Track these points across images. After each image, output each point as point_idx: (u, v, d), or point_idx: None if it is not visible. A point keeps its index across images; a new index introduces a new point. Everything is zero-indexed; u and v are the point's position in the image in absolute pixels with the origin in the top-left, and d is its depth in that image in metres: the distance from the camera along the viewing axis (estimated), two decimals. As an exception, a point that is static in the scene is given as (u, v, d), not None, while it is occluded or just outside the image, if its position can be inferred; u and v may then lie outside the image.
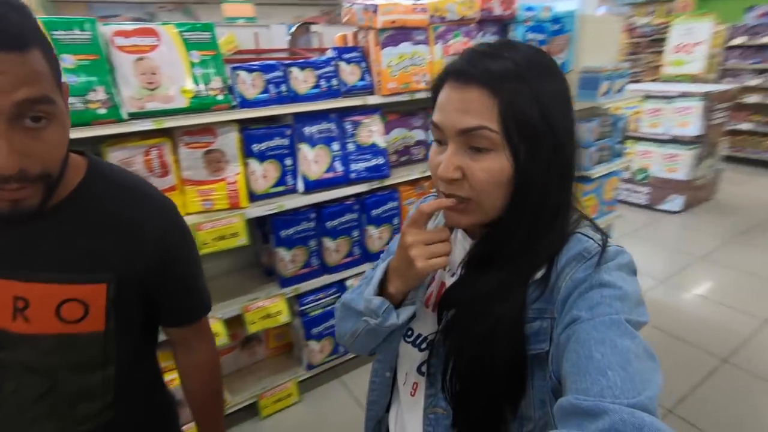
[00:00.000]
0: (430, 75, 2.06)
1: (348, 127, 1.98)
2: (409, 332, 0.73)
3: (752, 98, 5.61)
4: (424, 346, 0.70)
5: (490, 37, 2.29)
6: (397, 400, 0.78)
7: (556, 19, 2.41)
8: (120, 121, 1.46)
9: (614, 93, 2.48)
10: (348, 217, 2.04)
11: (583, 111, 2.54)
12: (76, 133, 1.38)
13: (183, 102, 1.57)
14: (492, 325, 0.57)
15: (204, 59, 1.60)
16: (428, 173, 2.24)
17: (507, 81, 0.54)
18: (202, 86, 1.60)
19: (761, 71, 5.52)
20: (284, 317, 1.95)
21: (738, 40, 5.59)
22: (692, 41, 4.50)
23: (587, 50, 2.44)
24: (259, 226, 2.05)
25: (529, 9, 2.30)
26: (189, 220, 1.65)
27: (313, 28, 2.50)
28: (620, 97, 2.54)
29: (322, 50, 2.40)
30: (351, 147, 1.99)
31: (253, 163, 1.80)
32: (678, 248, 3.63)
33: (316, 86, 1.83)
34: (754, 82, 5.57)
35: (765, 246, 3.58)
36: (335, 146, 1.94)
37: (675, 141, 4.11)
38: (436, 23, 2.02)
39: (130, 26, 1.49)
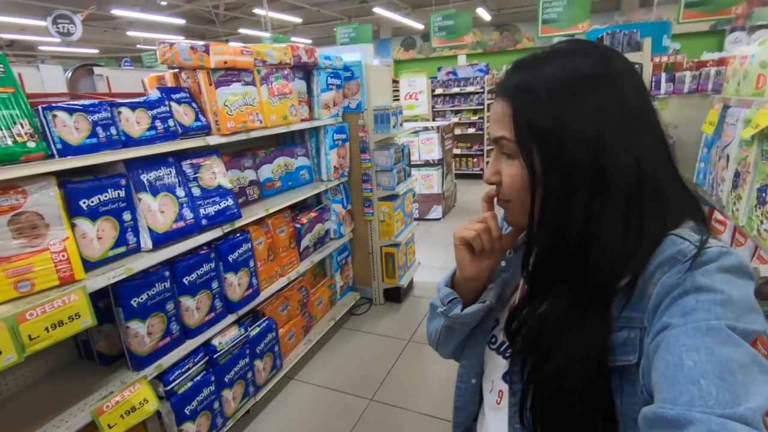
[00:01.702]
0: (261, 114, 2.11)
1: (188, 170, 1.82)
2: (493, 339, 0.71)
3: (457, 131, 7.70)
4: (508, 354, 0.68)
5: (299, 81, 2.51)
6: (482, 408, 0.75)
7: (347, 68, 2.84)
8: None
9: (399, 126, 3.08)
10: (205, 267, 1.85)
11: (381, 142, 3.05)
12: None
13: (-23, 153, 1.16)
14: (560, 368, 0.54)
15: (0, 98, 1.23)
16: (273, 210, 2.28)
17: (519, 92, 0.56)
18: (3, 132, 1.22)
19: (456, 111, 7.68)
20: (152, 404, 1.59)
21: (439, 90, 7.63)
22: (416, 90, 5.92)
23: (374, 93, 2.96)
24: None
25: (327, 58, 2.64)
26: (3, 311, 1.22)
27: (98, 70, 2.14)
28: (402, 130, 3.17)
29: (112, 95, 2.11)
30: (196, 191, 1.82)
31: (84, 223, 1.44)
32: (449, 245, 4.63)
33: (152, 128, 1.63)
34: (455, 119, 7.67)
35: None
36: (180, 192, 1.75)
37: (427, 164, 5.26)
38: (259, 66, 2.11)
39: None
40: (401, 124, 3.13)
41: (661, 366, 0.43)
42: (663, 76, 2.11)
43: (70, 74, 2.05)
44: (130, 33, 12.33)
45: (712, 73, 2.05)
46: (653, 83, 2.14)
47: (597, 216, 0.54)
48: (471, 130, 7.61)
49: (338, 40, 10.47)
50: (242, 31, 13.04)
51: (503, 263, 0.74)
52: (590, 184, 0.54)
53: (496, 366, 0.70)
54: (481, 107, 7.23)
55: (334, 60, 2.70)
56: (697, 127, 2.08)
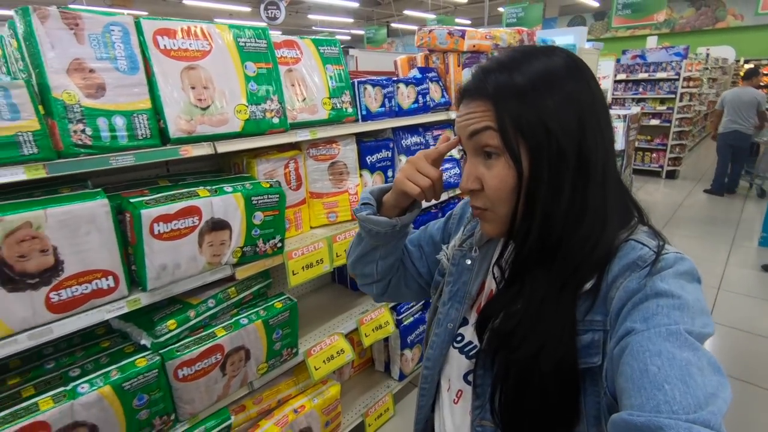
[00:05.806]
0: (489, 94, 2.32)
1: (431, 140, 2.12)
2: (459, 338, 0.72)
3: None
4: (472, 354, 0.68)
5: (515, 64, 2.65)
6: (439, 404, 0.76)
7: (558, 51, 2.88)
8: (286, 130, 1.42)
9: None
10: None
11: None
12: (255, 143, 1.33)
13: (324, 114, 1.58)
14: (537, 348, 0.55)
15: (336, 72, 1.64)
16: (483, 182, 2.49)
17: (503, 94, 0.56)
18: (338, 99, 1.62)
19: (638, 100, 6.97)
20: (391, 327, 1.96)
21: (621, 75, 7.01)
22: (602, 74, 5.55)
23: (581, 77, 2.95)
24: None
25: (543, 41, 2.72)
26: (322, 232, 1.64)
27: (352, 51, 2.59)
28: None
29: (360, 72, 2.51)
30: (435, 158, 2.12)
31: (366, 175, 1.83)
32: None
33: (415, 102, 1.95)
34: (635, 110, 6.98)
35: (684, 235, 4.50)
36: (425, 158, 2.06)
37: (604, 154, 4.96)
38: (494, 49, 2.30)
39: (281, 38, 1.48)
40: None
41: (627, 371, 0.44)
42: None
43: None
44: (310, 16, 13.80)
45: None
46: None
47: (580, 203, 0.56)
48: (655, 122, 6.83)
49: (504, 21, 10.21)
50: (407, 12, 13.56)
51: (468, 261, 0.74)
52: (574, 173, 0.55)
53: (458, 365, 0.71)
54: (673, 96, 6.43)
55: (550, 43, 2.76)
56: None
